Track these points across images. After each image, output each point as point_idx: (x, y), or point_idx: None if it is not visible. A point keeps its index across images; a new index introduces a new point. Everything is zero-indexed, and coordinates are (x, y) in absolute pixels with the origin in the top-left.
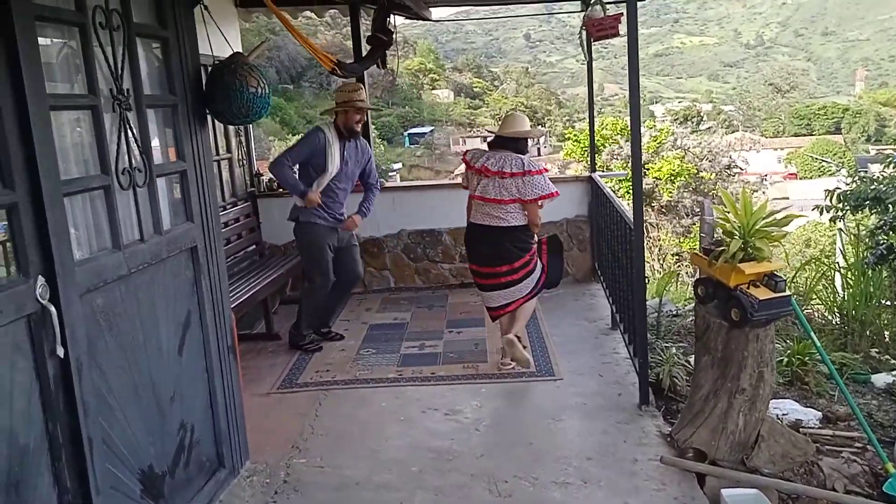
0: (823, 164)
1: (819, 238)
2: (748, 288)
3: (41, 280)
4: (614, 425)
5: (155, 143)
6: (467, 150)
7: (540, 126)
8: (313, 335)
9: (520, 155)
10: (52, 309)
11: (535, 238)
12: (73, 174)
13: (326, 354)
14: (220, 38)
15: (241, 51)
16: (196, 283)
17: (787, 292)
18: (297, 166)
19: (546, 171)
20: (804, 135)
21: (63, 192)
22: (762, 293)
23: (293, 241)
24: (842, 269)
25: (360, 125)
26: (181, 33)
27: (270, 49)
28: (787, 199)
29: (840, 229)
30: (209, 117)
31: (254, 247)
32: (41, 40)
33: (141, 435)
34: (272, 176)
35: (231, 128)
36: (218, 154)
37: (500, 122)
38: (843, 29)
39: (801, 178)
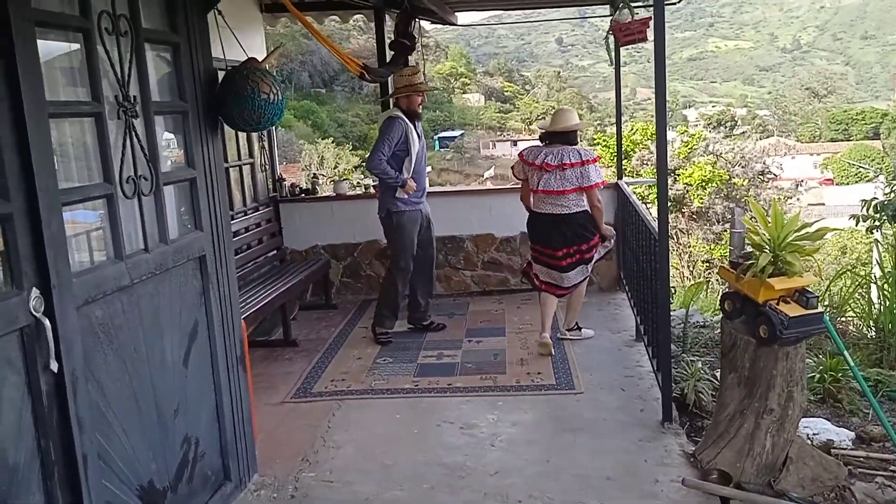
0: (860, 169)
1: (855, 245)
2: (778, 304)
3: (35, 292)
4: (636, 443)
5: (164, 150)
6: (524, 149)
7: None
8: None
9: (575, 146)
10: (47, 322)
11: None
12: (75, 182)
13: (342, 363)
14: (245, 43)
15: (254, 56)
16: (204, 292)
17: (819, 309)
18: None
19: (599, 158)
20: (841, 140)
21: (62, 201)
22: (792, 310)
23: (314, 247)
24: (878, 281)
25: (420, 107)
26: (193, 39)
27: (303, 53)
28: (823, 204)
29: (876, 240)
30: (221, 124)
31: (274, 252)
32: (43, 45)
33: (141, 450)
34: (374, 174)
35: (254, 133)
36: (240, 159)
37: (549, 118)
38: (882, 33)
39: (837, 184)
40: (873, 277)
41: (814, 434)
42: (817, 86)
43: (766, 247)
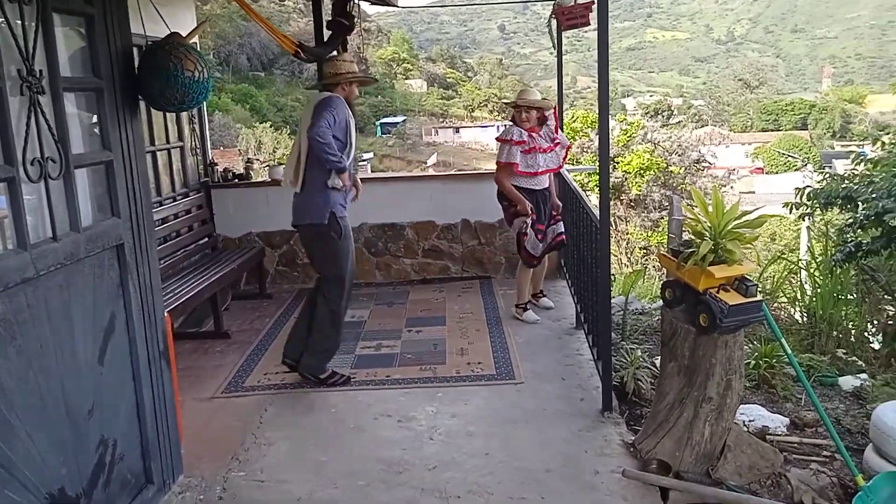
0: (789, 159)
1: (784, 232)
2: (718, 292)
3: None
4: (576, 433)
5: (76, 130)
6: (513, 135)
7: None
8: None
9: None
10: None
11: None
12: None
13: (276, 355)
14: (174, 21)
15: (178, 32)
16: (122, 284)
17: (758, 297)
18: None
19: (512, 142)
20: (772, 130)
21: None
22: (732, 298)
23: (247, 234)
24: (809, 267)
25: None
26: (110, 11)
27: (242, 35)
28: (754, 192)
29: (808, 227)
30: (142, 103)
31: (206, 239)
32: None
33: (50, 455)
34: (320, 149)
35: (184, 114)
36: (169, 142)
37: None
38: (811, 27)
39: (767, 173)
40: (803, 264)
41: (749, 420)
42: (749, 77)
43: (707, 235)
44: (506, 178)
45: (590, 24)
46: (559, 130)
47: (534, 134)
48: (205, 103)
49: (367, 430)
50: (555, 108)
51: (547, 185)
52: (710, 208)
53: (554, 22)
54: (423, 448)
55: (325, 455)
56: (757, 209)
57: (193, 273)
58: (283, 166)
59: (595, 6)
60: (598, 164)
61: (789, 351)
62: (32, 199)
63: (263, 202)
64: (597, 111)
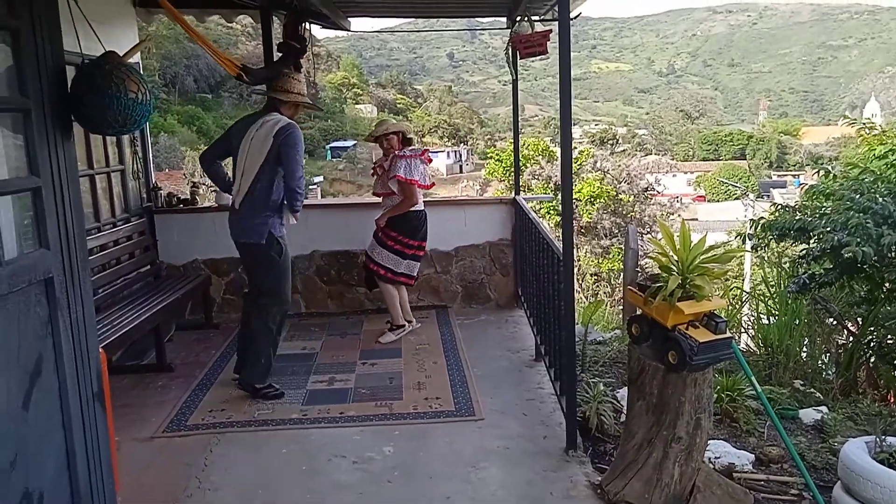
0: (730, 187)
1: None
2: (687, 329)
3: None
4: (540, 474)
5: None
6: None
7: (462, 144)
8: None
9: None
10: None
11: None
12: None
13: (223, 390)
14: (114, 40)
15: (114, 50)
16: (51, 321)
17: (728, 334)
18: (263, 170)
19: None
20: (712, 159)
21: None
22: (702, 335)
23: (193, 261)
24: (763, 298)
25: None
26: (39, 25)
27: (188, 57)
28: (697, 220)
29: (760, 257)
30: (74, 125)
31: (148, 267)
32: None
33: None
34: (296, 200)
35: (125, 136)
36: (108, 165)
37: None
38: (747, 61)
39: (709, 201)
40: (755, 293)
41: (716, 458)
42: (690, 108)
43: (675, 269)
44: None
45: (547, 53)
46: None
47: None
48: (148, 125)
49: (320, 472)
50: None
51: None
52: (678, 242)
53: (511, 50)
54: (381, 492)
55: (275, 499)
56: (725, 244)
57: (134, 303)
58: (235, 184)
59: (553, 34)
60: (554, 192)
61: (759, 390)
62: None
63: (210, 228)
64: (545, 139)
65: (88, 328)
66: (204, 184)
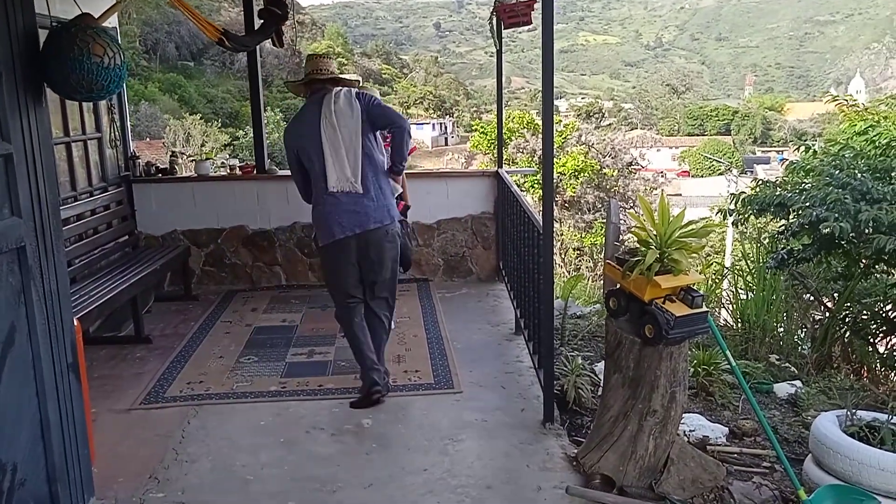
0: (714, 162)
1: (711, 237)
2: (664, 303)
3: None
4: (517, 446)
5: None
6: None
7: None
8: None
9: None
10: None
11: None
12: None
13: (201, 362)
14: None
15: (89, 13)
16: (24, 290)
17: (704, 308)
18: (367, 136)
19: None
20: (697, 134)
21: None
22: (678, 309)
23: (172, 232)
24: (742, 273)
25: None
26: None
27: (169, 23)
28: (680, 195)
29: (741, 232)
30: (48, 91)
31: (126, 238)
32: None
33: None
34: (407, 140)
35: (102, 103)
36: (85, 132)
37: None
38: (735, 35)
39: (693, 176)
40: (735, 269)
41: (690, 431)
42: (676, 82)
43: (653, 244)
44: None
45: (531, 23)
46: None
47: None
48: (126, 92)
49: (298, 444)
50: None
51: None
52: (657, 216)
53: (495, 19)
54: (359, 464)
55: (252, 473)
56: (704, 219)
57: (112, 273)
58: (332, 173)
59: (537, 4)
60: (538, 166)
61: (734, 364)
62: None
63: (189, 198)
64: (531, 111)
65: (62, 298)
66: (184, 153)
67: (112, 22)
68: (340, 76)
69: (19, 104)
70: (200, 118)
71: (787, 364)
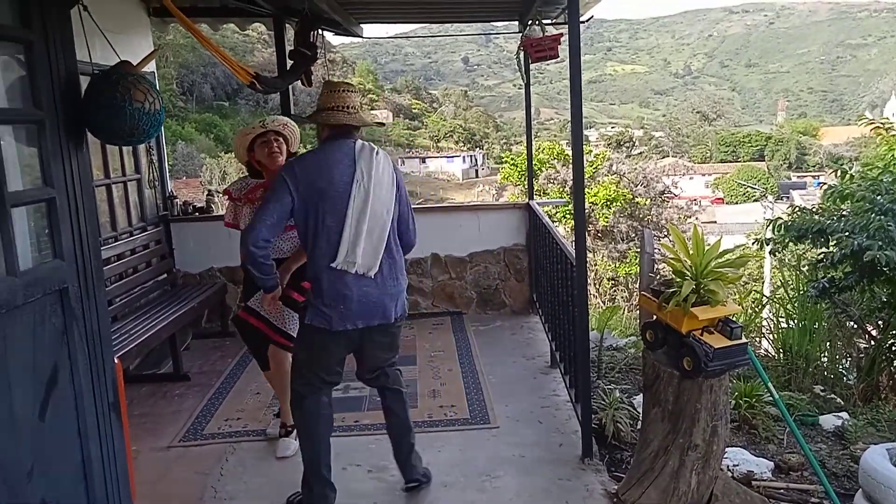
0: (749, 189)
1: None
2: (702, 334)
3: None
4: (555, 483)
5: (12, 166)
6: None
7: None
8: None
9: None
10: None
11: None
12: None
13: (239, 399)
14: (130, 50)
15: (128, 60)
16: (66, 331)
17: (744, 339)
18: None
19: (231, 196)
20: (730, 161)
21: None
22: (717, 340)
23: (209, 270)
24: (782, 302)
25: None
26: (53, 37)
27: (205, 65)
28: (715, 222)
29: (780, 260)
30: (88, 136)
31: (165, 276)
32: None
33: None
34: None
35: (141, 146)
36: (125, 174)
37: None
38: (765, 61)
39: (727, 203)
40: (776, 298)
41: (734, 465)
42: (707, 109)
43: (688, 274)
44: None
45: (558, 57)
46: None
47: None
48: (164, 133)
49: (336, 481)
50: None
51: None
52: (691, 247)
53: (522, 54)
54: (396, 502)
55: None
56: (739, 247)
57: (151, 311)
58: (344, 247)
59: (564, 38)
60: (569, 196)
61: (777, 396)
62: None
63: (225, 236)
64: (561, 142)
65: (104, 338)
66: (219, 192)
67: (150, 67)
68: (369, 117)
69: (62, 149)
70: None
71: (832, 395)
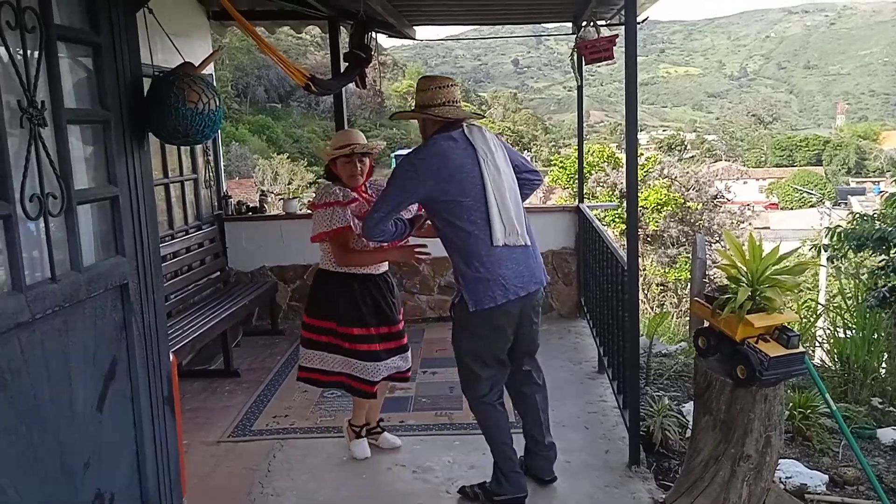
0: (804, 195)
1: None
2: (757, 342)
3: None
4: (602, 489)
5: (79, 164)
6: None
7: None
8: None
9: (327, 183)
10: None
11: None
12: None
13: (286, 396)
14: (190, 51)
15: (190, 62)
16: (125, 326)
17: (801, 349)
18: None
19: (339, 203)
20: (786, 165)
21: None
22: (773, 349)
23: (260, 268)
24: (839, 311)
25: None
26: (119, 40)
27: (259, 67)
28: (769, 228)
29: (838, 268)
30: (150, 136)
31: (218, 274)
32: None
33: None
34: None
35: (198, 146)
36: (182, 174)
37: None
38: (824, 63)
39: (781, 209)
40: (830, 305)
41: (787, 478)
42: (763, 112)
43: (744, 281)
44: (348, 253)
45: (613, 58)
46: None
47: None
48: (220, 134)
49: (380, 481)
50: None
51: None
52: (747, 253)
53: (576, 55)
54: (440, 502)
55: None
56: (797, 254)
57: (204, 308)
58: (498, 224)
59: (620, 39)
60: (619, 200)
61: (834, 407)
62: (30, 238)
63: (277, 236)
64: (611, 145)
65: (160, 333)
66: (272, 192)
67: (209, 69)
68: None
69: (125, 149)
70: (287, 157)
71: (891, 408)
